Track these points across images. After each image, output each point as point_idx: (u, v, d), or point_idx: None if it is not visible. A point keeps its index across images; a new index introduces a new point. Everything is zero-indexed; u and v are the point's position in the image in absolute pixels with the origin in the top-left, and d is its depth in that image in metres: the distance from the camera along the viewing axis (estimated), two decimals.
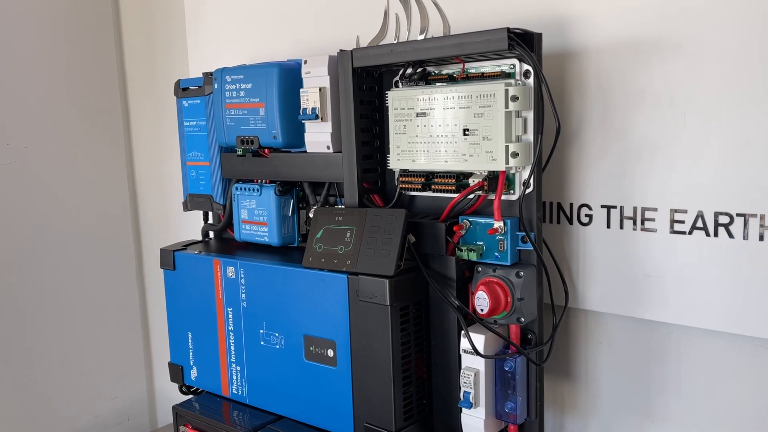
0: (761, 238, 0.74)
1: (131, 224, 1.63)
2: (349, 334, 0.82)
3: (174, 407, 1.00)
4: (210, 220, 1.12)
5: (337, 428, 0.86)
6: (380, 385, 0.80)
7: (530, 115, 0.76)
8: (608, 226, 0.85)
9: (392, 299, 0.78)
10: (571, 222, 0.89)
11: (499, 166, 0.76)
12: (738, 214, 0.75)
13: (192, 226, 1.35)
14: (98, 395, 1.61)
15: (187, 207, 1.11)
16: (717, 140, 0.76)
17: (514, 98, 0.74)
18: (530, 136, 0.76)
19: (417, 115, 0.81)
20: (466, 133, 0.77)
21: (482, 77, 0.78)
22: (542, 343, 0.80)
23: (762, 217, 0.74)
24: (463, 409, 0.80)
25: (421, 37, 0.83)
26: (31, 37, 1.45)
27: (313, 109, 0.88)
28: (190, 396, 1.05)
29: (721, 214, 0.77)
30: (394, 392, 0.80)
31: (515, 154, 0.75)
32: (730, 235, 0.76)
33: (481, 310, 0.77)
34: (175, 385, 1.08)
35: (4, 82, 1.41)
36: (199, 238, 1.12)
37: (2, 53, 1.40)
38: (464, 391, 0.79)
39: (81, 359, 1.57)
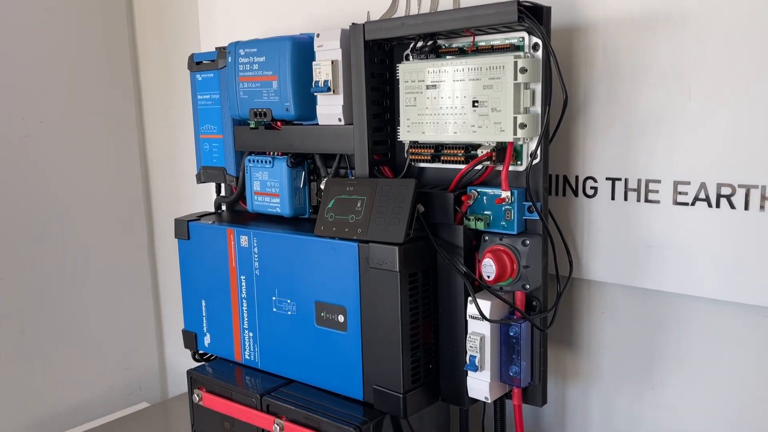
0: (762, 208, 0.76)
1: (143, 197, 1.66)
2: (360, 300, 0.85)
3: (188, 371, 1.03)
4: (222, 193, 1.15)
5: (347, 391, 0.89)
6: (389, 350, 0.83)
7: (538, 88, 0.78)
8: (613, 198, 0.87)
9: (401, 266, 0.80)
10: (576, 194, 0.91)
11: (507, 137, 0.78)
12: (740, 185, 0.77)
13: (203, 199, 1.37)
14: (111, 366, 1.65)
15: (200, 179, 1.13)
16: (720, 113, 0.78)
17: (523, 70, 0.76)
18: (538, 108, 0.78)
19: (427, 87, 0.83)
20: (475, 104, 0.79)
21: (492, 50, 0.80)
22: (546, 310, 0.83)
23: (763, 188, 0.76)
24: (469, 373, 0.83)
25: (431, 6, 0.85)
26: (44, 14, 1.46)
27: (325, 81, 0.90)
28: (203, 363, 1.08)
29: (724, 185, 0.79)
30: (403, 356, 0.82)
31: (523, 126, 0.77)
32: (732, 206, 0.78)
33: (488, 277, 0.80)
34: (186, 357, 1.11)
35: (18, 58, 1.43)
36: (212, 210, 1.15)
37: (16, 29, 1.42)
38: (470, 355, 0.82)
39: (94, 330, 1.61)
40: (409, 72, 0.85)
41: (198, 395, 1.01)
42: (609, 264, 0.89)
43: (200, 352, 1.10)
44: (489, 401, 0.83)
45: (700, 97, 0.79)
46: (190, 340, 1.09)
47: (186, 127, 1.27)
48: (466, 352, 0.82)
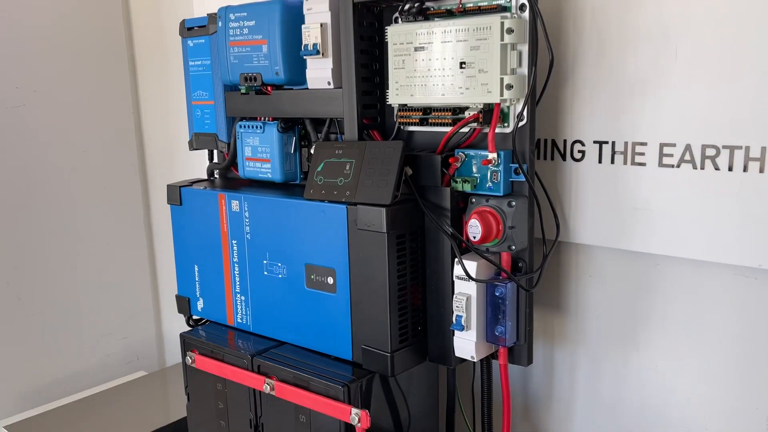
0: (745, 169, 0.77)
1: (138, 164, 1.67)
2: (348, 262, 0.86)
3: (181, 335, 1.04)
4: (215, 159, 1.15)
5: (337, 351, 0.90)
6: (377, 310, 0.84)
7: (525, 48, 0.78)
8: (600, 162, 0.88)
9: (389, 227, 0.81)
10: (564, 158, 0.91)
11: (494, 98, 0.78)
12: (724, 146, 0.78)
13: (197, 165, 1.38)
14: (108, 335, 1.67)
15: (192, 146, 1.14)
16: (705, 74, 0.78)
17: (510, 31, 0.76)
18: (525, 69, 0.78)
19: (416, 49, 0.83)
20: (463, 66, 0.80)
21: (479, 11, 0.80)
22: (532, 271, 0.84)
23: (747, 149, 0.76)
24: (456, 332, 0.84)
25: None
26: None
27: (315, 44, 0.90)
28: (197, 327, 1.10)
29: (708, 146, 0.79)
30: (390, 316, 0.84)
31: (510, 86, 0.77)
32: (716, 167, 0.79)
33: (474, 238, 0.81)
34: (182, 326, 1.12)
35: (11, 27, 1.43)
36: (204, 176, 1.15)
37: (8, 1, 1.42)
38: (456, 315, 0.83)
39: (91, 299, 1.63)
40: (397, 34, 0.85)
41: (191, 358, 1.02)
42: (596, 227, 0.90)
43: (194, 316, 1.11)
44: (475, 360, 0.84)
45: (685, 59, 0.79)
46: (184, 304, 1.10)
47: (179, 94, 1.27)
48: (452, 313, 0.84)
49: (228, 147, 1.08)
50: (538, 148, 0.93)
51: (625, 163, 0.86)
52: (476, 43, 0.78)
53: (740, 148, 0.77)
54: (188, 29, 1.09)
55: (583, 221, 0.91)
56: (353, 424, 0.83)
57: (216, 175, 1.15)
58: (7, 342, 1.49)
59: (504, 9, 0.78)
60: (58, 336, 1.58)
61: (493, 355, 0.88)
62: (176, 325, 1.69)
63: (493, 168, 0.81)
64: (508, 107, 0.80)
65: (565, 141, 0.91)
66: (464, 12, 0.82)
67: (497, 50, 0.76)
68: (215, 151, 1.14)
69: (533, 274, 0.84)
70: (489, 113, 0.80)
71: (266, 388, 0.91)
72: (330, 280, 0.89)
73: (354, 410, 0.82)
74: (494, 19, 0.76)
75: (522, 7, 0.77)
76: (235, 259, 1.01)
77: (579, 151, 0.90)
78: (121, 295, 1.68)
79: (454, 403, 0.98)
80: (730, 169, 0.78)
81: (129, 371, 1.68)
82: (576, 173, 0.91)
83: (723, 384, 0.86)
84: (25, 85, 1.46)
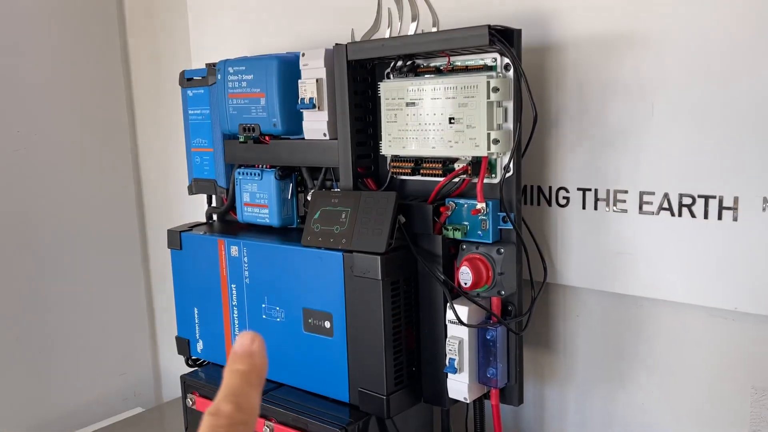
0: (720, 217, 0.81)
1: (136, 208, 1.70)
2: (345, 307, 0.89)
3: (182, 377, 1.07)
4: (213, 203, 1.19)
5: (334, 394, 0.93)
6: (373, 354, 0.87)
7: (510, 105, 0.82)
8: (584, 207, 0.92)
9: (384, 274, 0.85)
10: (550, 204, 0.96)
11: (482, 152, 0.82)
12: (699, 196, 0.82)
13: (195, 210, 1.41)
14: (106, 371, 1.69)
15: (192, 191, 1.18)
16: (681, 128, 0.83)
17: (495, 89, 0.81)
18: (510, 124, 0.83)
19: (407, 104, 0.88)
20: (452, 121, 0.84)
21: (466, 70, 0.85)
22: (521, 315, 0.88)
23: (721, 198, 0.81)
24: (449, 375, 0.87)
25: (413, 28, 0.89)
26: (37, 31, 1.50)
27: (311, 99, 0.95)
28: (196, 368, 1.12)
29: (685, 195, 0.84)
30: (386, 360, 0.87)
31: (496, 141, 0.82)
32: (692, 215, 0.83)
33: (465, 284, 0.84)
34: (179, 362, 1.15)
35: (12, 74, 1.47)
36: (203, 220, 1.19)
37: (10, 44, 1.46)
38: (449, 358, 0.86)
39: (89, 336, 1.65)
40: (389, 90, 0.89)
41: (191, 399, 1.05)
42: (581, 270, 0.94)
43: (193, 357, 1.14)
44: (468, 401, 0.87)
45: (662, 112, 0.84)
46: (183, 346, 1.13)
47: (178, 141, 1.31)
48: (445, 356, 0.87)
49: (226, 192, 1.12)
50: (525, 194, 0.97)
51: (607, 209, 0.90)
52: (464, 100, 0.82)
53: (714, 197, 0.81)
54: (188, 80, 1.14)
55: (568, 264, 0.95)
56: None
57: (215, 219, 1.18)
58: (5, 380, 1.51)
59: (490, 68, 0.83)
60: (55, 373, 1.59)
61: (486, 396, 0.91)
62: (173, 361, 1.71)
63: (482, 217, 0.85)
64: (495, 159, 0.85)
65: (550, 188, 0.95)
66: (453, 70, 0.86)
67: (484, 107, 0.81)
68: (214, 196, 1.18)
69: (522, 318, 0.88)
70: (477, 165, 0.84)
71: (266, 431, 0.93)
72: (327, 324, 0.92)
73: None
74: (481, 78, 0.81)
75: (507, 67, 0.82)
76: (234, 303, 1.04)
77: (564, 198, 0.94)
78: (118, 331, 1.70)
79: None
80: (706, 216, 0.82)
81: (126, 407, 1.69)
82: (561, 218, 0.95)
83: (706, 421, 0.89)
84: (25, 130, 1.50)
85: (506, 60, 0.82)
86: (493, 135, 0.81)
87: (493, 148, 0.82)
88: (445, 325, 0.88)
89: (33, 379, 1.56)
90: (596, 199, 0.91)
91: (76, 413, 1.63)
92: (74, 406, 1.63)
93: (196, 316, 1.10)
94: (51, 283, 1.57)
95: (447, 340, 0.87)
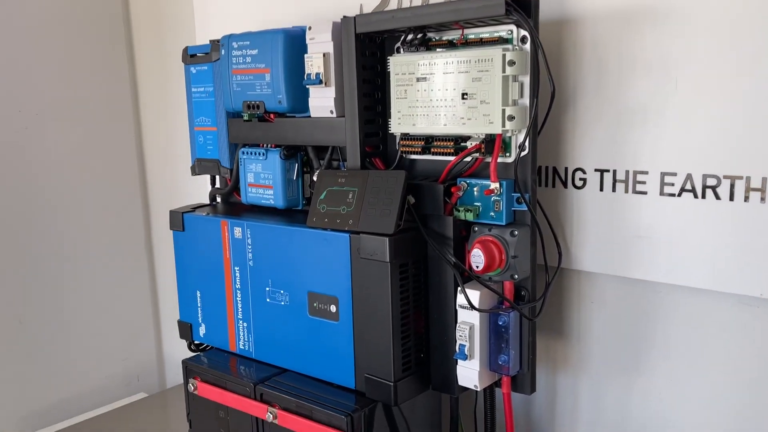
0: (746, 199, 0.77)
1: (140, 189, 1.67)
2: (351, 291, 0.86)
3: (183, 361, 1.04)
4: (217, 185, 1.16)
5: (339, 380, 0.90)
6: (380, 339, 0.84)
7: (527, 80, 0.78)
8: (601, 189, 0.89)
9: (392, 256, 0.82)
10: (565, 186, 0.92)
11: (496, 129, 0.78)
12: (725, 176, 0.78)
13: (198, 191, 1.38)
14: (109, 356, 1.67)
15: (195, 171, 1.14)
16: (706, 104, 0.79)
17: (511, 63, 0.77)
18: (526, 100, 0.79)
19: (417, 80, 0.84)
20: (465, 97, 0.80)
21: (481, 42, 0.81)
22: (535, 300, 0.84)
23: (748, 179, 0.77)
24: (459, 361, 0.84)
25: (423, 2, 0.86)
26: (41, 8, 1.47)
27: (317, 74, 0.91)
28: (199, 353, 1.10)
29: (709, 176, 0.80)
30: (394, 345, 0.84)
31: (511, 118, 0.78)
32: (717, 197, 0.79)
33: (477, 267, 0.81)
34: (183, 348, 1.12)
35: (15, 52, 1.44)
36: (207, 201, 1.16)
37: (13, 25, 1.43)
38: (460, 344, 0.83)
39: (92, 321, 1.62)
40: (399, 64, 0.85)
41: (193, 384, 1.02)
42: (598, 254, 0.90)
43: (195, 342, 1.11)
44: (478, 389, 0.84)
45: (686, 89, 0.80)
46: (186, 330, 1.10)
47: (181, 120, 1.28)
48: (455, 341, 0.84)
49: (230, 173, 1.09)
50: (539, 176, 0.93)
51: (626, 191, 0.87)
52: (478, 74, 0.79)
53: (741, 178, 0.77)
54: (191, 56, 1.10)
55: (584, 248, 0.91)
56: None
57: (218, 200, 1.15)
58: (8, 365, 1.49)
59: (506, 41, 0.79)
60: (58, 357, 1.57)
61: (496, 383, 0.88)
62: (177, 346, 1.69)
63: (495, 197, 0.82)
64: (510, 137, 0.81)
65: (566, 169, 0.91)
66: (466, 43, 0.82)
67: (499, 82, 0.77)
68: (217, 176, 1.15)
69: (536, 303, 0.84)
70: (491, 143, 0.81)
71: (269, 417, 0.91)
72: (333, 308, 0.89)
73: None
74: (496, 51, 0.77)
75: (523, 39, 0.78)
76: (238, 286, 1.01)
77: (580, 179, 0.90)
78: (122, 316, 1.68)
79: (457, 430, 0.97)
80: (731, 198, 0.78)
81: (129, 393, 1.67)
82: (577, 201, 0.91)
83: (725, 412, 0.86)
84: (27, 108, 1.47)
85: (523, 32, 0.78)
86: (508, 111, 0.78)
87: (508, 125, 0.78)
88: (456, 310, 0.84)
89: (36, 363, 1.54)
90: (614, 181, 0.87)
91: (80, 398, 1.61)
92: (77, 391, 1.61)
93: (198, 299, 1.07)
94: (54, 267, 1.54)
95: (457, 325, 0.83)
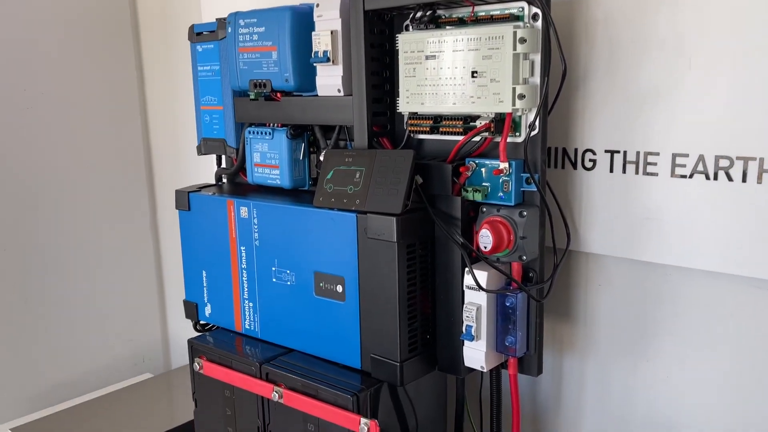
0: (759, 180, 0.76)
1: (145, 169, 1.67)
2: (358, 271, 0.86)
3: (189, 340, 1.04)
4: (223, 164, 1.15)
5: (345, 360, 0.90)
6: (386, 319, 0.84)
7: (537, 58, 0.77)
8: (611, 171, 0.88)
9: (399, 236, 0.81)
10: (575, 167, 0.91)
11: (506, 107, 0.77)
12: (738, 158, 0.77)
13: (204, 171, 1.38)
14: (114, 337, 1.67)
15: (201, 151, 1.14)
16: (720, 84, 0.78)
17: (522, 40, 0.75)
18: (537, 78, 0.78)
19: (426, 58, 0.83)
20: (474, 75, 0.79)
21: (491, 20, 0.80)
22: (543, 281, 0.83)
23: (761, 160, 0.76)
24: (465, 342, 0.84)
25: None
26: None
27: (325, 52, 0.90)
28: (204, 332, 1.10)
29: (722, 157, 0.79)
30: (400, 325, 0.83)
31: (522, 96, 0.77)
32: (730, 179, 0.78)
33: (485, 248, 0.80)
34: (188, 329, 1.12)
35: (20, 30, 1.43)
36: (213, 182, 1.15)
37: (17, 3, 1.42)
38: (466, 325, 0.82)
39: (98, 301, 1.63)
40: (408, 42, 0.84)
41: (199, 364, 1.02)
42: (606, 236, 0.90)
43: (201, 322, 1.11)
44: (485, 370, 0.84)
45: (699, 69, 0.79)
46: (191, 310, 1.10)
47: (187, 99, 1.27)
48: (462, 322, 0.83)
49: (236, 152, 1.08)
50: (549, 157, 0.92)
51: (636, 172, 0.86)
52: (488, 52, 0.77)
53: (754, 159, 0.76)
54: (197, 34, 1.09)
55: (593, 230, 0.91)
56: None
57: (224, 180, 1.15)
58: (13, 344, 1.49)
59: (516, 18, 0.78)
60: (64, 338, 1.58)
61: (503, 365, 0.88)
62: (182, 327, 1.69)
63: (505, 178, 0.81)
64: (520, 117, 0.80)
65: (576, 150, 0.90)
66: (476, 21, 0.81)
67: (509, 60, 0.76)
68: (224, 156, 1.14)
69: (544, 284, 0.84)
70: (500, 123, 0.80)
71: (275, 396, 0.91)
72: (339, 289, 0.88)
73: (363, 420, 0.82)
74: (507, 29, 0.76)
75: (535, 17, 0.77)
76: (244, 266, 1.00)
77: (590, 160, 0.89)
78: (127, 297, 1.68)
79: (463, 411, 0.97)
80: (744, 180, 0.77)
81: (135, 373, 1.68)
82: (587, 182, 0.90)
83: (734, 395, 0.85)
84: (32, 88, 1.46)
85: (534, 9, 0.77)
86: (519, 90, 0.76)
87: (518, 103, 0.77)
88: (463, 291, 0.84)
89: (42, 344, 1.54)
90: (625, 162, 0.86)
91: (86, 378, 1.62)
92: (84, 372, 1.62)
93: (204, 279, 1.07)
94: (59, 247, 1.54)
95: (464, 306, 0.83)
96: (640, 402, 0.93)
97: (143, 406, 1.43)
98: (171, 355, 1.79)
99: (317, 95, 0.95)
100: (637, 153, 0.85)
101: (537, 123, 0.78)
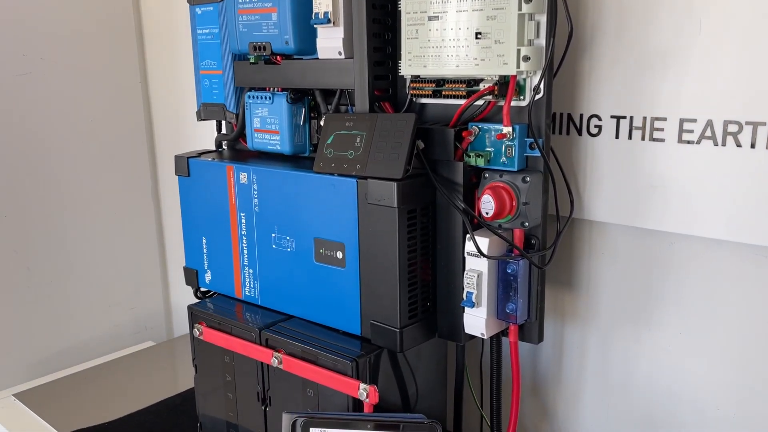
0: None
1: (146, 135, 1.65)
2: (358, 237, 0.85)
3: (189, 306, 1.04)
4: (223, 130, 1.14)
5: (345, 326, 0.90)
6: (387, 285, 0.83)
7: (543, 19, 0.75)
8: (617, 137, 0.86)
9: (400, 202, 0.80)
10: (580, 133, 0.89)
11: (510, 70, 0.76)
12: (747, 123, 0.76)
13: (205, 137, 1.36)
14: (116, 305, 1.68)
15: (200, 116, 1.12)
16: (730, 47, 0.75)
17: (528, 0, 0.73)
18: (542, 40, 0.76)
19: (430, 18, 0.81)
20: (478, 36, 0.77)
21: None
22: (545, 248, 0.82)
23: None
24: (466, 309, 0.83)
25: None
26: None
27: (326, 13, 0.88)
28: (204, 299, 1.09)
29: (731, 122, 0.77)
30: (400, 292, 0.83)
31: (527, 58, 0.75)
32: (738, 144, 0.77)
33: (486, 214, 0.79)
34: (190, 297, 1.12)
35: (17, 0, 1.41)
36: (213, 147, 1.14)
37: None
38: (467, 292, 0.82)
39: (100, 269, 1.63)
40: (411, 3, 0.82)
41: (198, 330, 1.02)
42: (611, 204, 0.88)
43: (201, 289, 1.10)
44: (485, 337, 0.83)
45: (710, 32, 0.76)
46: (191, 276, 1.10)
47: (187, 64, 1.25)
48: (463, 289, 0.82)
49: (236, 118, 1.06)
50: (553, 123, 0.91)
51: (642, 138, 0.84)
52: (493, 12, 0.75)
53: (764, 124, 0.74)
54: None
55: (597, 198, 0.89)
56: (361, 399, 0.82)
57: (224, 146, 1.13)
58: (15, 311, 1.50)
59: None
60: (66, 305, 1.58)
61: (503, 332, 0.87)
62: (184, 296, 1.69)
63: (508, 142, 0.79)
64: (525, 80, 0.78)
65: (581, 115, 0.88)
66: None
67: (514, 20, 0.74)
68: (223, 122, 1.13)
69: (546, 252, 0.83)
70: (504, 86, 0.78)
71: (274, 362, 0.90)
72: (339, 255, 0.88)
73: (362, 385, 0.82)
74: None
75: None
76: (243, 232, 0.99)
77: (595, 126, 0.88)
78: (129, 265, 1.68)
79: (463, 378, 0.97)
80: (753, 146, 0.76)
81: (137, 341, 1.69)
82: (592, 149, 0.88)
83: (736, 365, 0.85)
84: (31, 52, 1.44)
85: None
86: (524, 51, 0.75)
87: (523, 65, 0.75)
88: (464, 258, 0.83)
89: (44, 312, 1.55)
90: (631, 128, 0.85)
91: (87, 346, 1.62)
92: (85, 340, 1.62)
93: (204, 246, 1.06)
94: (61, 214, 1.54)
95: (465, 273, 0.82)
96: (642, 371, 0.93)
97: (145, 373, 1.43)
98: (173, 323, 1.80)
99: (318, 58, 0.93)
100: (644, 118, 0.83)
101: (542, 86, 0.77)
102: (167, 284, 1.77)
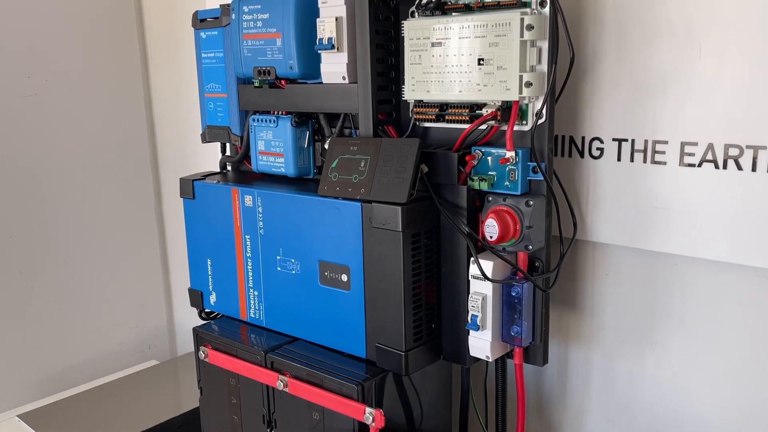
0: None
1: (150, 156, 1.66)
2: (363, 260, 0.85)
3: (194, 329, 1.04)
4: (228, 152, 1.14)
5: (350, 349, 0.90)
6: (391, 308, 0.84)
7: (545, 45, 0.76)
8: (619, 159, 0.87)
9: (404, 226, 0.80)
10: (582, 155, 0.90)
11: (513, 95, 0.76)
12: (748, 146, 0.76)
13: (209, 159, 1.37)
14: (120, 324, 1.68)
15: (205, 138, 1.13)
16: (730, 72, 0.76)
17: (530, 27, 0.74)
18: (544, 66, 0.77)
19: (432, 45, 0.82)
20: (481, 62, 0.78)
21: (498, 6, 0.78)
22: (549, 271, 0.83)
23: None
24: (471, 332, 0.83)
25: None
26: None
27: (330, 38, 0.89)
28: (209, 321, 1.10)
29: (732, 146, 0.78)
30: (405, 315, 0.83)
31: (529, 84, 0.76)
32: (739, 167, 0.77)
33: (491, 237, 0.80)
34: (194, 316, 1.12)
35: (25, 17, 1.42)
36: (217, 169, 1.15)
37: None
38: (472, 315, 0.82)
39: (104, 289, 1.63)
40: (414, 29, 0.83)
41: (204, 352, 1.02)
42: (614, 226, 0.89)
43: (206, 310, 1.11)
44: (490, 360, 0.84)
45: (710, 56, 0.77)
46: (197, 298, 1.10)
47: (192, 87, 1.27)
48: (468, 312, 0.83)
49: (241, 140, 1.07)
50: (555, 145, 0.91)
51: (644, 161, 0.85)
52: (495, 39, 0.76)
53: (764, 148, 0.75)
54: (201, 21, 1.08)
55: (600, 220, 0.90)
56: (367, 423, 0.82)
57: (229, 168, 1.14)
58: (20, 331, 1.50)
59: (524, 4, 0.77)
60: (70, 325, 1.59)
61: (508, 354, 0.87)
62: (188, 314, 1.70)
63: (511, 166, 0.80)
64: (527, 105, 0.79)
65: (583, 138, 0.89)
66: (483, 7, 0.80)
67: (516, 47, 0.75)
68: (228, 144, 1.14)
69: (550, 274, 0.83)
70: (507, 111, 0.79)
71: (279, 385, 0.91)
72: (344, 278, 0.88)
73: (368, 409, 0.82)
74: (514, 15, 0.74)
75: (542, 3, 0.76)
76: (248, 254, 1.00)
77: (597, 149, 0.88)
78: (133, 284, 1.69)
79: (468, 400, 0.97)
80: (754, 169, 0.76)
81: (140, 360, 1.69)
82: (594, 171, 0.89)
83: (740, 386, 0.85)
84: (36, 75, 1.46)
85: None
86: (526, 77, 0.75)
87: (525, 91, 0.76)
88: (468, 281, 0.83)
89: (48, 330, 1.55)
90: (633, 150, 0.85)
91: (91, 365, 1.62)
92: (89, 358, 1.62)
93: (209, 267, 1.07)
94: (66, 234, 1.55)
95: (470, 296, 0.82)
96: (646, 392, 0.93)
97: (149, 393, 1.43)
98: (177, 341, 1.80)
99: (322, 83, 0.94)
100: (645, 141, 0.84)
101: (544, 111, 0.77)
102: (171, 303, 1.77)
